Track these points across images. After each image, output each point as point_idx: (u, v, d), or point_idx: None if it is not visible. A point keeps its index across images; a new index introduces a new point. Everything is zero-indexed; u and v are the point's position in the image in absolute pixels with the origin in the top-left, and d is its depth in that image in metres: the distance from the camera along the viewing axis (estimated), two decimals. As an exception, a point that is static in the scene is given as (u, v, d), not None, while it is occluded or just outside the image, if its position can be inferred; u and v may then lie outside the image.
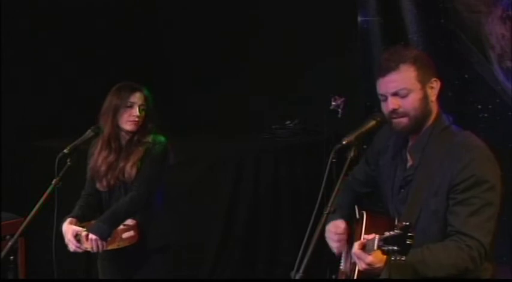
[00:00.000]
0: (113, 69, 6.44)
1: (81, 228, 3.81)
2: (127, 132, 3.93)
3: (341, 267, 3.21)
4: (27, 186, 5.68)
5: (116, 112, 3.89)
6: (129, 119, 3.89)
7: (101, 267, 4.10)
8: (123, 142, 3.97)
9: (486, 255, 2.83)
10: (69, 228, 3.80)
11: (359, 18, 5.56)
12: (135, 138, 3.93)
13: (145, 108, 3.92)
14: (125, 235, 3.83)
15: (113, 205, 3.91)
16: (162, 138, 3.97)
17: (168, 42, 7.27)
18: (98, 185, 3.99)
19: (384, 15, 5.41)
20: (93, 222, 3.91)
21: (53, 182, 3.66)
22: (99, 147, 3.97)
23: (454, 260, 2.76)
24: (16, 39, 5.93)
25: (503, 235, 4.50)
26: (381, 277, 2.72)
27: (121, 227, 3.87)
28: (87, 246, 3.79)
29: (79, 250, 3.81)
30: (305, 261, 2.67)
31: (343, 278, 3.17)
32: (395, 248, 2.49)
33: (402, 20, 5.26)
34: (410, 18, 5.24)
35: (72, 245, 3.79)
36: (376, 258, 2.66)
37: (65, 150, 3.71)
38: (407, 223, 2.49)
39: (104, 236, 3.77)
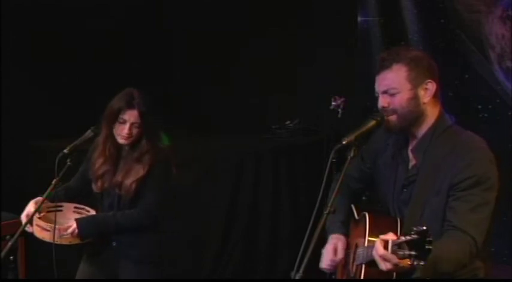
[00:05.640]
0: (113, 69, 6.44)
1: (32, 210, 3.74)
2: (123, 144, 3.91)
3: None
4: (27, 186, 5.68)
5: (110, 122, 3.85)
6: (119, 133, 3.83)
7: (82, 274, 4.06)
8: (122, 153, 3.93)
9: (478, 253, 2.83)
10: (28, 207, 3.78)
11: (359, 18, 5.57)
12: (135, 155, 3.86)
13: (140, 126, 3.82)
14: (65, 234, 3.78)
15: (114, 213, 3.89)
16: (163, 157, 3.89)
17: (168, 42, 7.27)
18: (93, 186, 3.98)
19: (384, 15, 5.42)
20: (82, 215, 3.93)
21: (53, 182, 3.66)
22: (97, 151, 3.94)
23: (458, 254, 2.77)
24: (16, 39, 5.93)
25: (503, 235, 4.51)
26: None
27: (63, 225, 3.82)
28: (31, 229, 3.76)
29: (28, 230, 3.77)
30: (305, 261, 2.67)
31: (344, 277, 3.17)
32: (413, 252, 2.47)
33: (402, 20, 5.27)
34: (411, 18, 5.25)
35: (23, 222, 3.77)
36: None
37: (65, 150, 3.70)
38: (425, 228, 2.48)
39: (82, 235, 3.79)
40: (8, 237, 4.54)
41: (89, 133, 3.89)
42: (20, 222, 3.78)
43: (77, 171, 4.02)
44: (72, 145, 3.75)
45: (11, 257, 4.63)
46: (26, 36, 6.01)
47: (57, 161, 3.66)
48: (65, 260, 3.90)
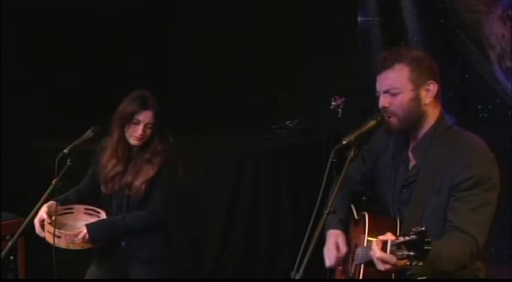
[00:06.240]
0: (113, 69, 6.44)
1: (46, 216, 3.76)
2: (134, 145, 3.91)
3: (339, 267, 3.20)
4: (27, 186, 5.68)
5: (123, 123, 3.86)
6: (133, 134, 3.85)
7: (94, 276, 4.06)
8: (133, 154, 3.93)
9: (479, 254, 2.83)
10: (41, 212, 3.77)
11: (359, 18, 5.58)
12: (146, 156, 3.88)
13: (153, 126, 3.85)
14: (77, 240, 3.79)
15: (123, 216, 3.90)
16: (171, 158, 3.91)
17: (168, 43, 7.28)
18: (102, 188, 3.98)
19: (384, 15, 5.42)
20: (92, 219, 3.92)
21: (53, 182, 3.65)
22: (108, 153, 3.94)
23: (459, 254, 2.77)
24: (16, 39, 5.93)
25: (503, 235, 4.51)
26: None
27: (75, 231, 3.83)
28: (44, 235, 3.77)
29: (41, 235, 3.79)
30: (305, 261, 2.67)
31: (343, 277, 3.17)
32: (412, 253, 2.47)
33: (402, 20, 5.27)
34: (411, 18, 5.25)
35: (36, 227, 3.79)
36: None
37: (65, 150, 3.70)
38: (423, 228, 2.47)
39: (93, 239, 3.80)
40: (8, 237, 4.54)
41: (89, 133, 3.89)
42: (20, 222, 3.78)
43: (77, 171, 4.01)
44: (72, 145, 3.75)
45: (11, 257, 4.63)
46: (26, 36, 6.01)
47: (57, 161, 3.65)
48: (65, 260, 3.90)
